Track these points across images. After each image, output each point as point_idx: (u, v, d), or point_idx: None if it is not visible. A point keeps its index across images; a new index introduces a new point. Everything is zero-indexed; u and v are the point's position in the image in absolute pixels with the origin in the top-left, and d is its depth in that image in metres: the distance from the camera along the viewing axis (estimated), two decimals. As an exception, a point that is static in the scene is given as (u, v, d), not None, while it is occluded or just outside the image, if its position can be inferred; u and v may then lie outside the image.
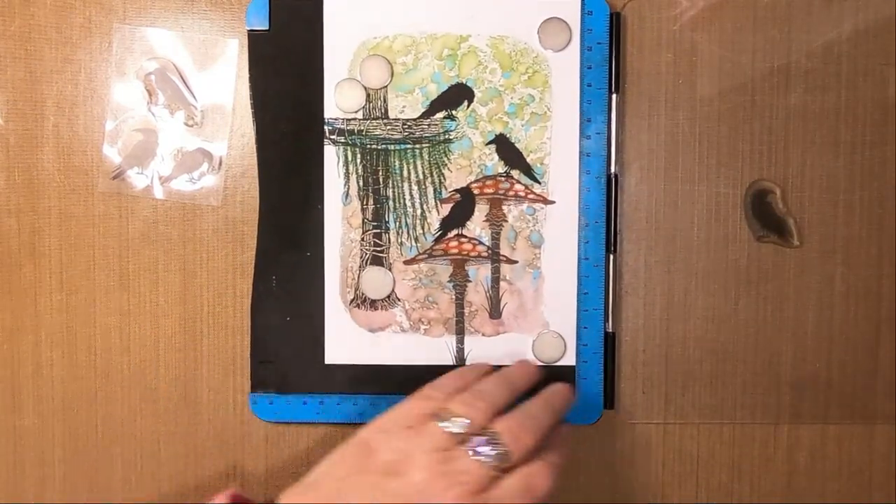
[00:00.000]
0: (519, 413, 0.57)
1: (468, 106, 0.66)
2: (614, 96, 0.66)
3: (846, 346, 0.68)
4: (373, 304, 0.67)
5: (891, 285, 0.67)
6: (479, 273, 0.67)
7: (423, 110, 0.66)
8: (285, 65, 0.66)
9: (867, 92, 0.67)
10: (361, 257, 0.67)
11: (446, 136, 0.66)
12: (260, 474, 0.68)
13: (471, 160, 0.66)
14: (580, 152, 0.66)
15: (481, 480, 0.53)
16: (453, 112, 0.66)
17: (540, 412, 0.58)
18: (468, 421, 0.55)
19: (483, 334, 0.67)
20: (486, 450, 0.54)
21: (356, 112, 0.66)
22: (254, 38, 0.65)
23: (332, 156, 0.66)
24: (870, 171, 0.67)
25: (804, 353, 0.68)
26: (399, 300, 0.67)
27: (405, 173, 0.66)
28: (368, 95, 0.66)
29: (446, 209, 0.66)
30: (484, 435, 0.55)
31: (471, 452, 0.54)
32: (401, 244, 0.67)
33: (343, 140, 0.66)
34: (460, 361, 0.67)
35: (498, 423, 0.56)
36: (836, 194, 0.67)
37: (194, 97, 0.66)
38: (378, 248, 0.67)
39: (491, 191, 0.66)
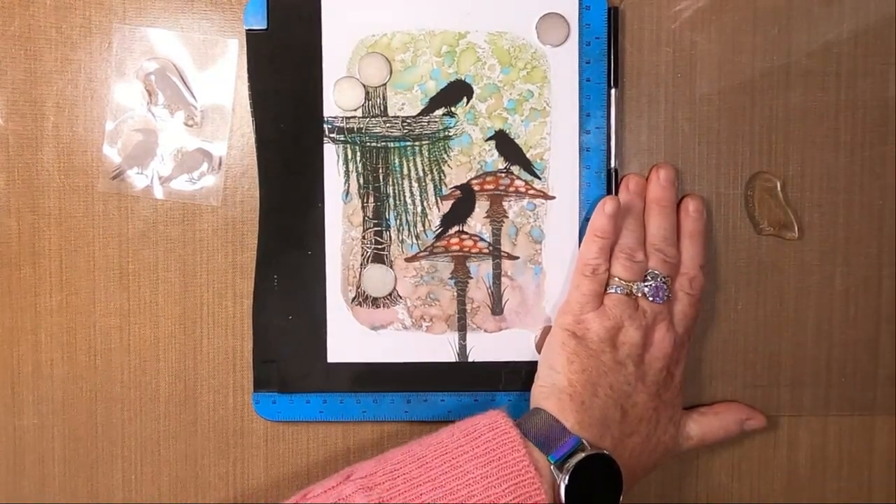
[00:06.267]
0: (658, 240, 0.64)
1: (467, 102, 0.66)
2: (613, 91, 0.66)
3: (846, 342, 0.68)
4: (374, 301, 0.67)
5: (891, 283, 0.67)
6: (481, 269, 0.66)
7: (422, 107, 0.66)
8: (284, 64, 0.66)
9: (867, 92, 0.67)
10: (362, 255, 0.66)
11: (446, 133, 0.66)
12: (260, 474, 0.68)
13: (471, 157, 0.66)
14: (580, 147, 0.66)
15: (664, 309, 0.63)
16: (452, 109, 0.66)
17: (663, 222, 0.65)
18: (632, 279, 0.63)
19: (485, 330, 0.67)
20: (653, 287, 0.63)
21: (355, 110, 0.66)
22: (252, 37, 0.65)
23: (331, 154, 0.66)
24: (870, 170, 0.67)
25: (804, 349, 0.68)
26: (401, 298, 0.67)
27: (405, 171, 0.66)
28: (367, 93, 0.66)
29: (447, 206, 0.66)
30: (646, 280, 0.63)
31: (650, 298, 0.63)
32: (402, 242, 0.66)
33: (342, 138, 0.66)
34: (463, 358, 0.66)
35: (650, 259, 0.64)
36: (837, 193, 0.67)
37: (194, 97, 0.66)
38: (379, 246, 0.66)
39: (491, 187, 0.66)
